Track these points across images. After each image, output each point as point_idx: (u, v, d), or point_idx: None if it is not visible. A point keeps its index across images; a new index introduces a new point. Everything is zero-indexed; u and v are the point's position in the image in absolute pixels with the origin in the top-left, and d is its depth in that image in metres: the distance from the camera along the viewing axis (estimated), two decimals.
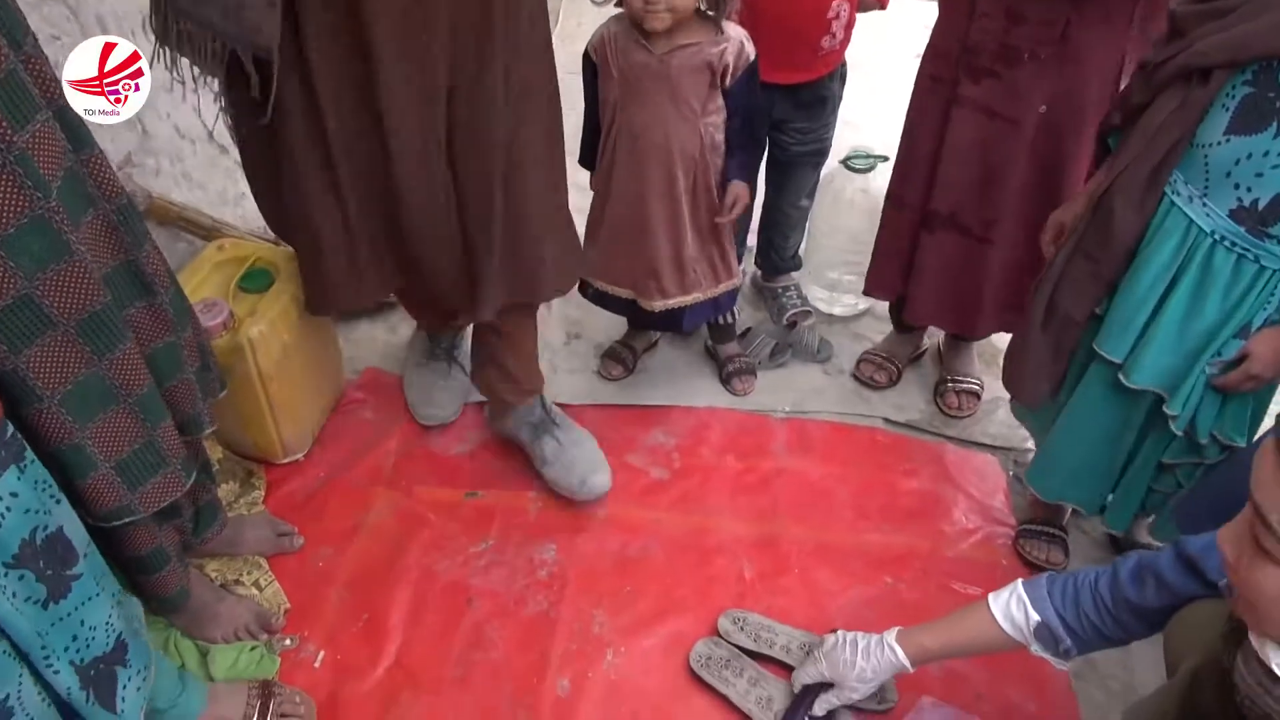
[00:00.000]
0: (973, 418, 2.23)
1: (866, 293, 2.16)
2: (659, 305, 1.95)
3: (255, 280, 1.72)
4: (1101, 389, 1.56)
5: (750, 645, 1.64)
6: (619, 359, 2.25)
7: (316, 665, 1.62)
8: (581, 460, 1.73)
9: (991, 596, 1.34)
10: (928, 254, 1.94)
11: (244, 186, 1.52)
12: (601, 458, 1.77)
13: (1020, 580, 1.34)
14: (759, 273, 2.48)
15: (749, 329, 2.34)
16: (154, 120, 2.11)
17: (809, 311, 2.37)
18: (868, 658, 1.43)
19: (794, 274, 2.44)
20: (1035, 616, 1.28)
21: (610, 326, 2.31)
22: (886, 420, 2.20)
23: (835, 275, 2.42)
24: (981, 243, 1.87)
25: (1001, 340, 2.04)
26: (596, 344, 2.31)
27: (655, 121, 1.73)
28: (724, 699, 1.58)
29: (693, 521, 1.92)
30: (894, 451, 2.11)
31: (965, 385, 2.24)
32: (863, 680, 1.44)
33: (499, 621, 1.71)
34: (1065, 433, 1.67)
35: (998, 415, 2.25)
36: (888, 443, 2.13)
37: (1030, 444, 2.17)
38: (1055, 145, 1.71)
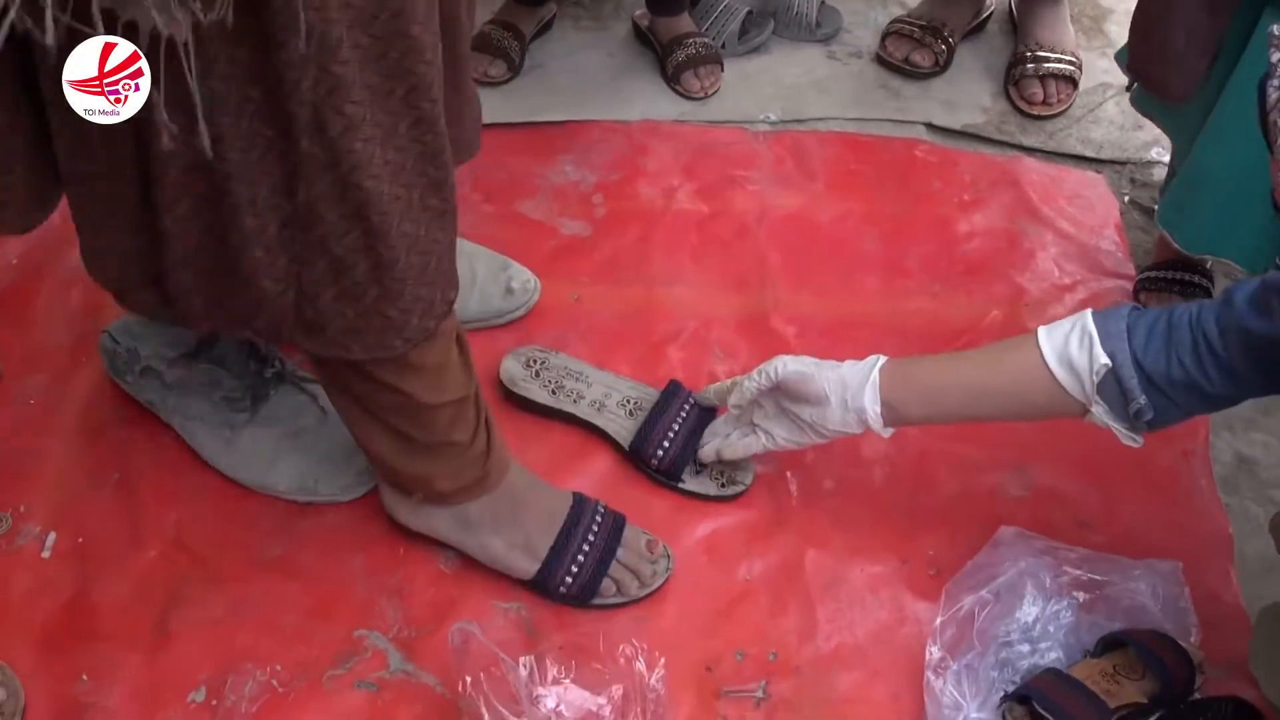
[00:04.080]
0: (1066, 116, 2.24)
1: None
2: None
3: None
4: None
5: (546, 400, 1.71)
6: (497, 49, 2.20)
7: (45, 554, 1.57)
8: None
9: (1044, 329, 1.37)
10: None
11: None
12: None
13: (1090, 309, 1.36)
14: None
15: None
16: None
17: None
18: (836, 390, 1.48)
19: None
20: (1102, 358, 1.30)
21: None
22: (931, 126, 2.22)
23: None
24: None
25: None
26: None
27: None
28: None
29: (631, 298, 1.92)
30: (944, 174, 2.12)
31: (1054, 65, 2.24)
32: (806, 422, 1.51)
33: None
34: (1221, 144, 1.69)
35: (1105, 111, 2.26)
36: (934, 161, 2.15)
37: (1157, 153, 2.18)
38: None
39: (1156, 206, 2.04)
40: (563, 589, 1.50)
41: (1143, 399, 1.30)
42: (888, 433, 1.47)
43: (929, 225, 2.04)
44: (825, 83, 2.27)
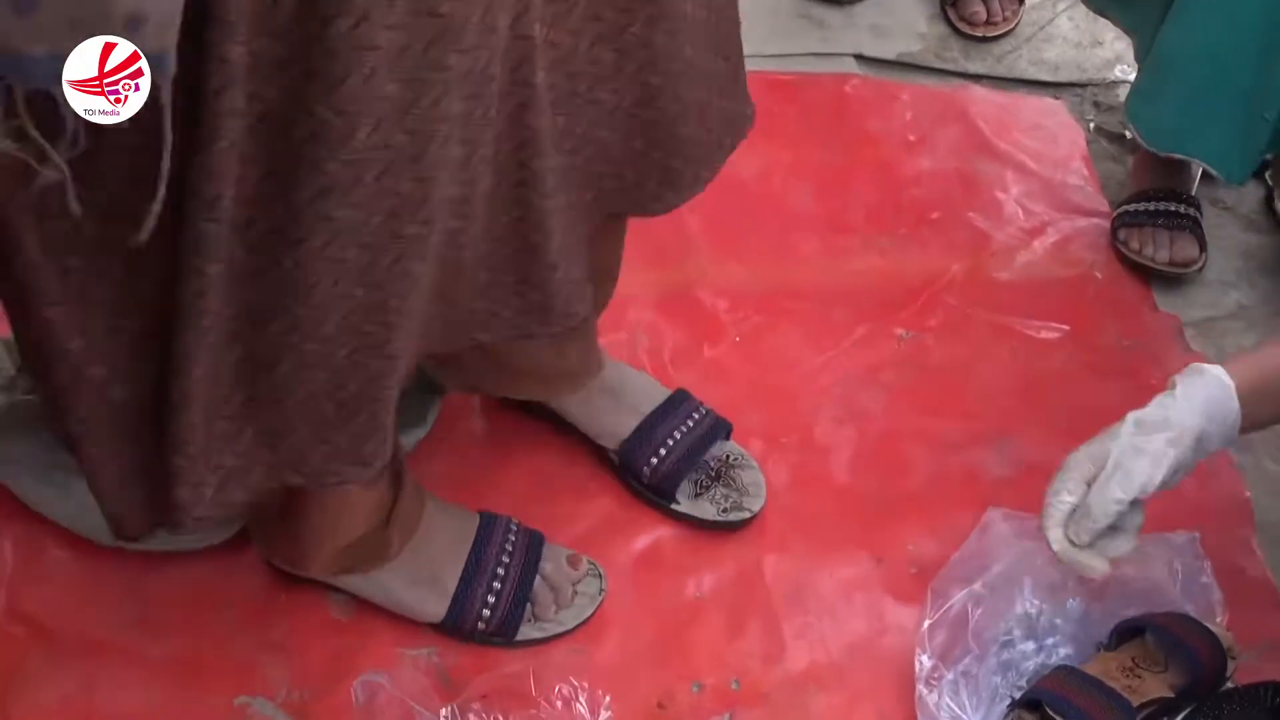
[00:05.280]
0: (1013, 36, 2.25)
1: None
2: None
3: None
4: None
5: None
6: None
7: None
8: None
9: None
10: None
11: None
12: None
13: None
14: None
15: None
16: None
17: None
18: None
19: None
20: None
21: None
22: (861, 58, 2.21)
23: None
24: None
25: None
26: None
27: None
28: None
29: None
30: (882, 111, 2.12)
31: None
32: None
33: None
34: (1189, 26, 1.71)
35: (1057, 28, 2.27)
36: (869, 97, 2.14)
37: (1121, 71, 2.19)
38: None
39: (1126, 131, 2.03)
40: (481, 625, 1.43)
41: None
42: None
43: (869, 172, 2.03)
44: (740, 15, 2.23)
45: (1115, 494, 1.28)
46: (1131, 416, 1.32)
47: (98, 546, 1.54)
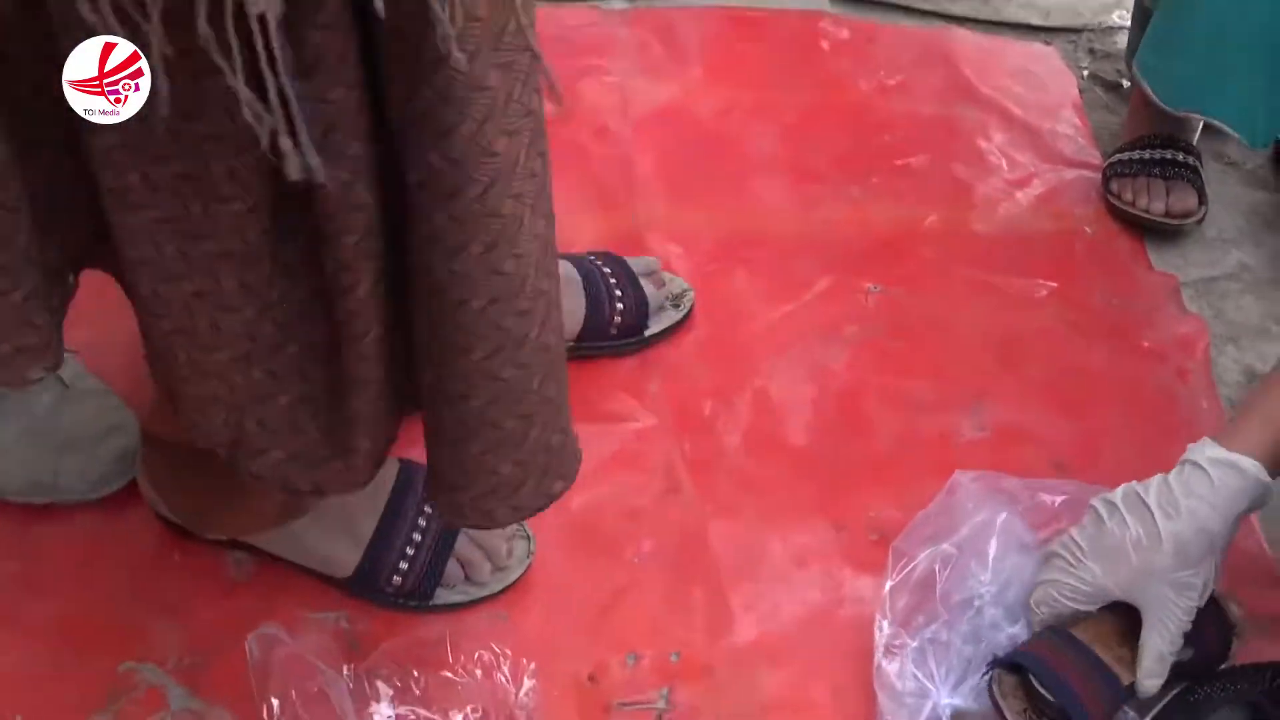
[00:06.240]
0: None
1: None
2: None
3: None
4: None
5: None
6: None
7: None
8: None
9: None
10: None
11: None
12: None
13: None
14: None
15: None
16: None
17: None
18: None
19: None
20: None
21: None
22: None
23: None
24: None
25: None
26: None
27: None
28: None
29: None
30: (856, 52, 2.14)
31: None
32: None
33: None
34: None
35: None
36: (843, 37, 2.16)
37: (1119, 17, 2.21)
38: None
39: (1123, 80, 2.03)
40: (396, 579, 1.41)
41: None
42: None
43: (840, 115, 2.04)
44: None
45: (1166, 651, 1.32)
46: (1169, 537, 1.31)
47: None
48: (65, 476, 1.52)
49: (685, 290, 1.74)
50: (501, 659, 1.35)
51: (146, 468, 1.47)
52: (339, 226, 0.98)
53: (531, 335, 1.06)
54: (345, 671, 1.28)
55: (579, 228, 1.86)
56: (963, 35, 2.17)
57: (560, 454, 1.16)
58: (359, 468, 1.15)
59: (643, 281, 1.69)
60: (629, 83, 2.06)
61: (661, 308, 1.70)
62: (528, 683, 1.34)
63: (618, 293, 1.67)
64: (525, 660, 1.35)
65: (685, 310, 1.72)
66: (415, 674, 1.32)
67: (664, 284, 1.72)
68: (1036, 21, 2.20)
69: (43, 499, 1.51)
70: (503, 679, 1.34)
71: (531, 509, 1.17)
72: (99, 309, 1.27)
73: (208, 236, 1.00)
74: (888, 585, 1.41)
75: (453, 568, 1.44)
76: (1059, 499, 1.50)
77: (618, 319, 1.66)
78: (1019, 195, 1.95)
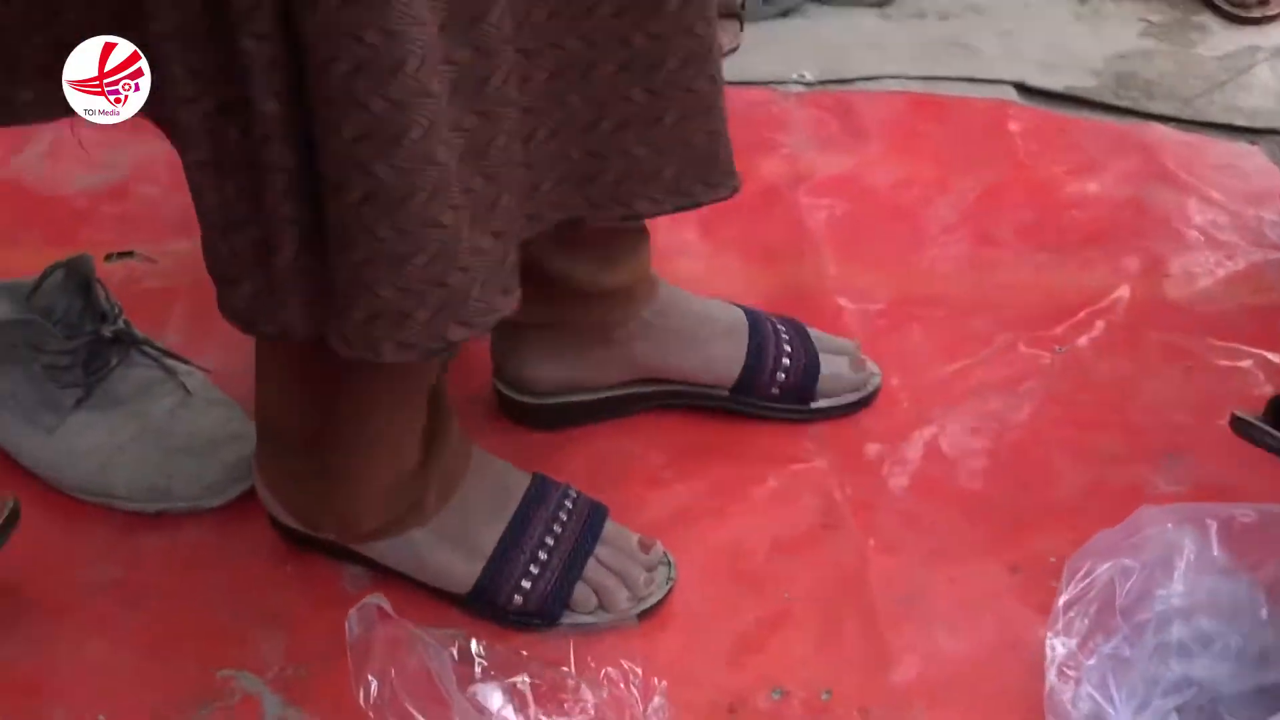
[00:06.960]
0: (1204, 80, 2.25)
1: None
2: None
3: None
4: None
5: None
6: None
7: None
8: None
9: None
10: None
11: None
12: None
13: None
14: None
15: None
16: None
17: None
18: None
19: None
20: None
21: None
22: (1022, 88, 2.23)
23: None
24: None
25: None
26: None
27: None
28: None
29: None
30: (1047, 139, 2.12)
31: None
32: None
33: None
34: None
35: (1256, 76, 2.26)
36: (1031, 127, 2.15)
37: None
38: None
39: None
40: (518, 598, 1.34)
41: None
42: None
43: (1026, 191, 2.01)
44: (878, 39, 2.29)
45: None
46: None
47: (78, 502, 1.53)
48: (179, 480, 1.52)
49: (873, 374, 1.67)
50: (631, 675, 1.27)
51: (260, 466, 1.46)
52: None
53: (412, 135, 0.98)
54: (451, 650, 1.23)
55: (743, 279, 1.86)
56: (1161, 130, 2.14)
57: (458, 292, 1.08)
58: None
59: (831, 358, 1.64)
60: (803, 154, 2.09)
61: (843, 389, 1.64)
62: (657, 700, 1.25)
63: (786, 348, 1.62)
64: (657, 680, 1.27)
65: (867, 392, 1.64)
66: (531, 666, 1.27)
67: (864, 366, 1.67)
68: (1241, 122, 2.18)
69: (155, 506, 1.51)
70: (630, 691, 1.25)
71: (422, 348, 1.08)
72: (231, 330, 1.26)
73: None
74: (1060, 600, 1.29)
75: (583, 592, 1.38)
76: (1249, 517, 1.37)
77: (781, 376, 1.60)
78: (1219, 270, 1.90)
